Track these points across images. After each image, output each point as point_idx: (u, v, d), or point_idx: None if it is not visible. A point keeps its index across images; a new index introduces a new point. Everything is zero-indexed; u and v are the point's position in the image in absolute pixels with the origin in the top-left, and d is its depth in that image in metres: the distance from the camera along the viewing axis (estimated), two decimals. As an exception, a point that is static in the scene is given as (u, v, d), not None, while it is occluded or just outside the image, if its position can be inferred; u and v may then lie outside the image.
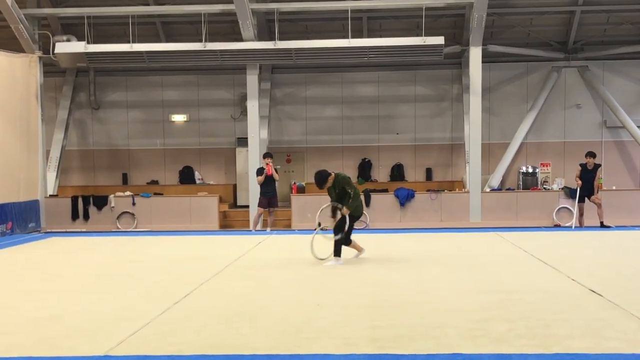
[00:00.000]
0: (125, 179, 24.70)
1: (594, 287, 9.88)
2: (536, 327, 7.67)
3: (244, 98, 22.70)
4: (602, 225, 18.89)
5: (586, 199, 19.03)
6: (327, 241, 13.25)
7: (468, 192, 20.70)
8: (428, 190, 21.38)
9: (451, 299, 9.33)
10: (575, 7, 21.38)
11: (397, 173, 23.73)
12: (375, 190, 21.59)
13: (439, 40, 18.90)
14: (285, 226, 21.15)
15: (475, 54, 20.26)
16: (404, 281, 10.84)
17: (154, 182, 24.54)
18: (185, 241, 17.05)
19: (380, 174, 23.92)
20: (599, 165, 19.40)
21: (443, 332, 7.55)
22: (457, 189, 22.11)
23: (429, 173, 23.61)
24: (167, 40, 23.06)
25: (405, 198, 20.81)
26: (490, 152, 22.85)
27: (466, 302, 9.14)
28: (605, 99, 22.36)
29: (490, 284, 10.48)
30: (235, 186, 23.89)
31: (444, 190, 21.39)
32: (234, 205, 23.67)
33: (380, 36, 22.26)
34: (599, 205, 18.93)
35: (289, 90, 24.08)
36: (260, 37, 20.74)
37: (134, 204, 21.35)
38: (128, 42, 20.92)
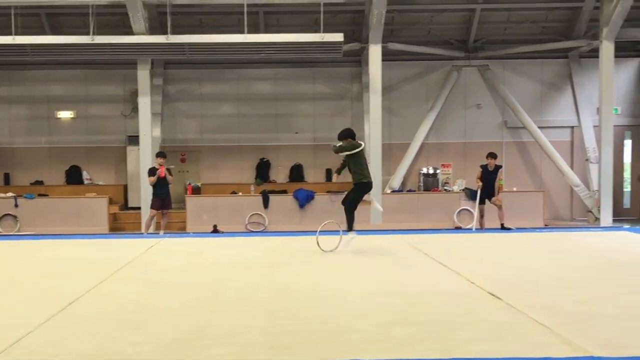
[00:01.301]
0: (7, 179, 23.99)
1: (494, 290, 10.09)
2: (438, 331, 7.79)
3: (135, 94, 22.38)
4: (503, 227, 19.31)
5: (487, 200, 19.43)
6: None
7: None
8: (328, 192, 21.48)
9: (353, 303, 9.39)
10: (476, 5, 21.84)
11: (297, 174, 23.78)
12: (273, 192, 21.59)
13: (338, 37, 19.01)
14: (179, 229, 20.93)
15: (374, 52, 20.47)
16: (304, 285, 10.85)
17: (39, 183, 23.93)
18: (73, 244, 16.68)
19: (279, 174, 23.93)
20: (500, 167, 19.85)
21: (345, 337, 7.58)
22: (357, 190, 22.24)
23: (329, 174, 23.72)
24: (53, 33, 22.51)
25: (304, 200, 20.86)
26: (391, 153, 23.13)
27: (369, 305, 9.21)
28: (506, 99, 22.92)
29: (392, 287, 10.60)
30: (126, 187, 23.51)
31: (344, 192, 21.47)
32: (125, 207, 23.29)
33: (278, 32, 22.28)
34: (499, 207, 19.36)
35: (182, 87, 23.84)
36: (152, 31, 20.47)
37: (16, 205, 20.77)
38: (10, 34, 20.33)
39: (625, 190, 23.90)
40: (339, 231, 14.83)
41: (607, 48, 20.23)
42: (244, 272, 12.29)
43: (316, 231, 14.53)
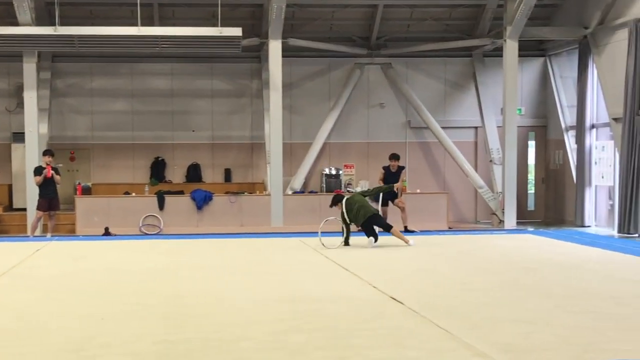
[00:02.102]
0: None
1: (395, 295, 10.26)
2: (336, 338, 7.88)
3: (20, 89, 21.86)
4: (406, 230, 19.58)
5: (390, 202, 19.69)
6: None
7: (269, 194, 20.94)
8: (227, 193, 21.44)
9: (249, 310, 9.42)
10: (378, 1, 22.08)
11: (194, 174, 23.63)
12: (169, 192, 21.42)
13: (237, 31, 18.96)
14: (68, 231, 20.57)
15: (274, 48, 20.52)
16: (200, 291, 10.83)
17: None
18: (-49, 250, 16.24)
19: (175, 174, 23.74)
20: (403, 168, 20.16)
21: (238, 345, 7.61)
22: (257, 192, 22.27)
23: (228, 174, 23.65)
24: None
25: (202, 201, 20.77)
26: (293, 153, 23.19)
27: (265, 312, 9.25)
28: (409, 98, 23.23)
29: (290, 292, 10.66)
30: (10, 187, 22.95)
31: (243, 193, 21.52)
32: (10, 208, 22.74)
33: (174, 25, 22.10)
34: (402, 209, 19.64)
35: (72, 81, 23.42)
36: (39, 22, 20.05)
37: None
38: None
39: (529, 192, 24.49)
40: (340, 232, 16.74)
41: (511, 47, 20.72)
42: (136, 277, 12.18)
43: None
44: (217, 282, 11.76)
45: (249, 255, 15.29)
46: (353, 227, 16.68)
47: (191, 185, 22.50)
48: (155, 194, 21.14)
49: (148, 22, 21.16)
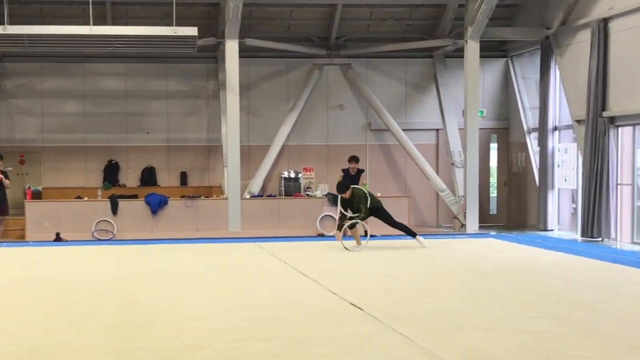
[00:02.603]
0: None
1: (355, 301, 10.30)
2: (294, 345, 7.89)
3: (-33, 90, 21.64)
4: (365, 235, 19.62)
5: (350, 205, 19.71)
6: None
7: (227, 198, 20.88)
8: (183, 197, 21.35)
9: (206, 317, 9.40)
10: (337, 1, 22.10)
11: (149, 177, 23.49)
12: (123, 196, 21.27)
13: (192, 31, 18.90)
14: (18, 237, 20.35)
15: (231, 48, 20.47)
16: (155, 298, 10.78)
17: None
18: None
19: (129, 177, 23.60)
20: (363, 171, 20.18)
21: (194, 354, 7.59)
22: (214, 195, 22.23)
23: (184, 177, 23.56)
24: None
25: (157, 205, 20.67)
26: (250, 155, 23.17)
27: (222, 319, 9.24)
28: (369, 100, 23.29)
29: (248, 299, 10.66)
30: (-44, 192, 22.68)
31: (200, 197, 21.45)
32: (-44, 214, 22.46)
33: (127, 24, 21.94)
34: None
35: (21, 82, 23.20)
36: (-14, 21, 19.84)
37: None
38: None
39: (491, 195, 24.68)
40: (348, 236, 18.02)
41: (472, 48, 20.85)
42: (88, 285, 12.10)
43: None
44: (172, 288, 11.71)
45: (206, 260, 15.26)
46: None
47: (146, 189, 22.37)
48: (108, 198, 20.99)
49: (100, 21, 21.04)
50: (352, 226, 17.19)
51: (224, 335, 8.34)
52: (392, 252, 16.54)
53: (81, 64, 23.23)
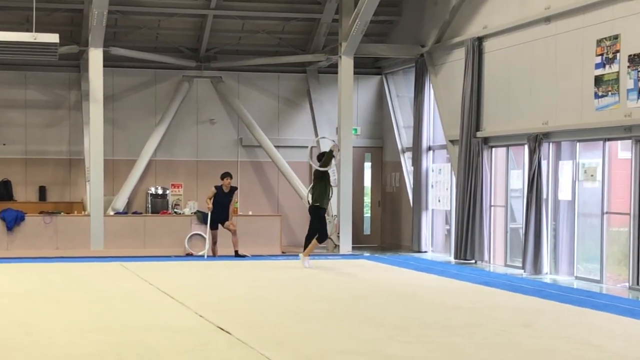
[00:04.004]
0: None
1: (223, 324, 10.24)
2: (156, 372, 7.79)
3: None
4: (237, 255, 19.60)
5: (220, 225, 19.66)
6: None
7: (89, 215, 20.49)
8: (41, 213, 20.88)
9: (63, 342, 9.20)
10: (208, 11, 22.04)
11: (4, 191, 22.85)
12: (-26, 213, 20.64)
13: (53, 37, 18.52)
14: None
15: (95, 56, 20.15)
16: (7, 322, 10.48)
17: None
18: None
19: (-18, 192, 22.92)
20: (236, 188, 20.15)
21: (49, 382, 7.41)
22: (76, 212, 21.78)
23: (42, 192, 23.01)
24: None
25: (13, 221, 20.14)
26: (115, 170, 22.79)
27: (81, 345, 9.05)
28: (241, 115, 23.26)
29: (110, 322, 10.47)
30: None
31: (60, 213, 21.00)
32: None
33: (-16, 29, 21.37)
34: (233, 232, 19.62)
35: None
36: None
37: None
38: None
39: (365, 215, 24.98)
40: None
41: (346, 64, 21.09)
42: None
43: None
44: (28, 311, 11.41)
45: (66, 281, 14.95)
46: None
47: (1, 204, 21.76)
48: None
49: (-47, 24, 20.42)
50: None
51: (82, 362, 8.18)
52: (264, 273, 16.53)
53: None
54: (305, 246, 17.29)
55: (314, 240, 17.00)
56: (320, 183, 16.93)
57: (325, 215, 17.37)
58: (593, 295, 13.77)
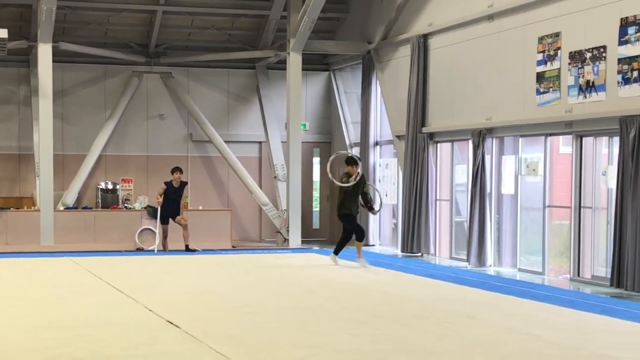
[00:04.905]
0: None
1: (172, 318, 10.20)
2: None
3: None
4: (188, 249, 19.53)
5: (170, 219, 19.58)
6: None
7: (39, 210, 20.28)
8: (1, 209, 20.64)
9: (11, 338, 9.09)
10: (157, 7, 21.89)
11: (-49, 187, 22.57)
12: None
13: (2, 33, 18.28)
14: None
15: (44, 52, 19.94)
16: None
17: None
18: None
19: None
20: (186, 183, 20.08)
21: (-3, 378, 7.33)
22: (25, 207, 21.54)
23: (-8, 188, 22.77)
24: None
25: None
26: (65, 165, 22.57)
27: (30, 340, 8.96)
28: (191, 110, 23.15)
29: (59, 318, 10.39)
30: None
31: (9, 208, 20.76)
32: None
33: None
34: (184, 227, 19.55)
35: None
36: None
37: None
38: None
39: (314, 209, 24.98)
40: None
41: (294, 60, 21.07)
42: None
43: None
44: (-25, 308, 11.29)
45: (16, 276, 14.78)
46: None
47: (-52, 200, 21.49)
48: None
49: None
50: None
51: (31, 357, 8.09)
52: (214, 268, 16.50)
53: None
54: (337, 249, 17.07)
55: (357, 243, 16.87)
56: (345, 195, 16.68)
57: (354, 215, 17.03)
58: (535, 286, 13.92)
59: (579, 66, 14.66)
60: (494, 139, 17.26)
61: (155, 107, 23.57)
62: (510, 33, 16.55)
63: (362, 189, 16.72)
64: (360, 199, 16.80)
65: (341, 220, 16.97)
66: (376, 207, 17.95)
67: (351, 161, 16.62)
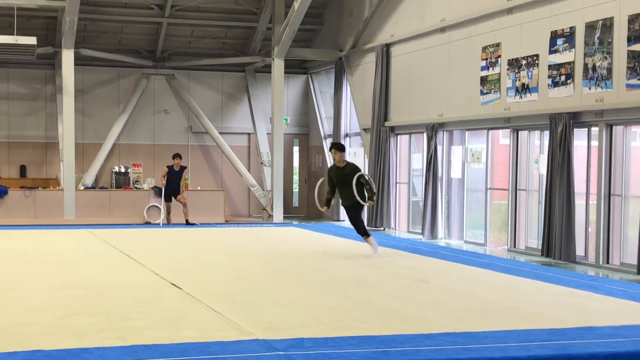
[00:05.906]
0: None
1: (175, 280, 10.13)
2: (117, 320, 7.65)
3: None
4: (187, 223, 19.46)
5: (173, 198, 19.50)
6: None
7: (62, 189, 20.11)
8: (22, 188, 20.43)
9: (35, 296, 8.99)
10: (163, 19, 21.74)
11: (-11, 170, 22.32)
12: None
13: (32, 40, 18.11)
14: None
15: (67, 57, 19.76)
16: (-11, 280, 10.22)
17: None
18: None
19: (-30, 171, 22.32)
20: (185, 167, 19.99)
21: (26, 329, 7.22)
22: (51, 187, 21.36)
23: (23, 170, 22.51)
24: None
25: (-2, 194, 19.74)
26: (85, 152, 22.40)
27: (50, 298, 8.86)
28: (191, 106, 23.04)
29: (76, 280, 10.29)
30: None
31: (38, 188, 20.57)
32: None
33: (-29, 32, 20.74)
34: (184, 204, 19.48)
35: None
36: None
37: None
38: None
39: (294, 190, 24.93)
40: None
41: (278, 65, 20.96)
42: None
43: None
44: (5, 270, 11.14)
45: (41, 245, 14.65)
46: None
47: (-14, 181, 21.24)
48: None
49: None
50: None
51: (53, 312, 7.99)
52: (211, 238, 16.41)
53: None
54: (363, 231, 13.29)
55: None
56: (339, 185, 13.41)
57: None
58: (478, 256, 13.93)
59: (516, 71, 14.64)
60: (445, 132, 17.24)
61: (160, 103, 23.41)
62: (458, 43, 16.51)
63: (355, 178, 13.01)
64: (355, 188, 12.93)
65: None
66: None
67: (333, 147, 13.48)
